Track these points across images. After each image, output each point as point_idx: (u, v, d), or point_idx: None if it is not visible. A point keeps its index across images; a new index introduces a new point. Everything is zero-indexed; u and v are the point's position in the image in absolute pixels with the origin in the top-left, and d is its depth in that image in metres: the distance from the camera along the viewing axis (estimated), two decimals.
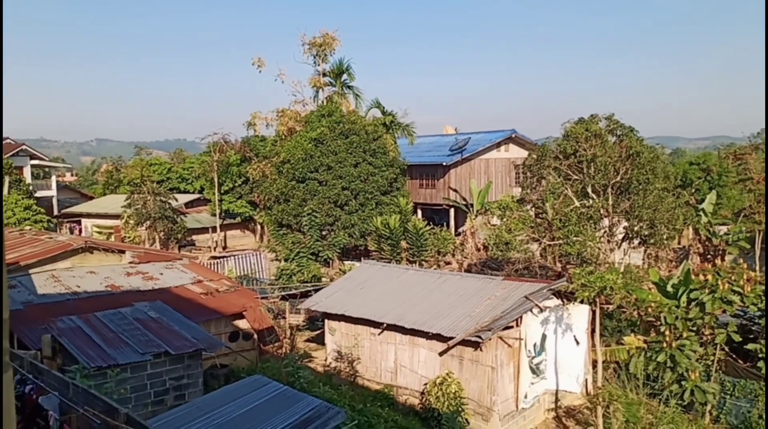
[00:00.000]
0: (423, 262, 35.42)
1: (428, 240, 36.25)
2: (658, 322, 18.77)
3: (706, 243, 36.21)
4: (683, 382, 17.08)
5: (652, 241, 27.32)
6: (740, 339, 18.11)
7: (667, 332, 17.74)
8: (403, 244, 35.61)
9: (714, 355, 17.88)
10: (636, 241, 28.19)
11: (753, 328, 19.12)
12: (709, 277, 18.57)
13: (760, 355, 17.76)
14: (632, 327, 21.63)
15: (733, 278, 18.92)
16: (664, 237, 28.14)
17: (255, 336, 22.41)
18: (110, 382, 15.31)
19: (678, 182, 40.87)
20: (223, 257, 38.25)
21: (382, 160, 39.88)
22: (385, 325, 19.72)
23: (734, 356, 18.65)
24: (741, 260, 35.15)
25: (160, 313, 18.97)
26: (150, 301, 19.97)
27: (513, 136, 49.69)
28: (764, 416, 16.18)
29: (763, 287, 18.62)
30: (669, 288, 20.98)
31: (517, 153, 47.84)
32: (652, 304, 18.96)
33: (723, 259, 34.28)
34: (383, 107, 45.74)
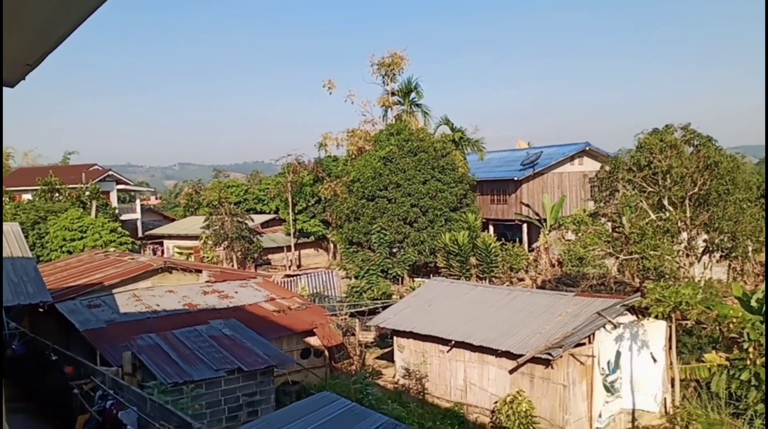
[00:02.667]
0: (493, 279, 35.02)
1: (499, 256, 35.83)
2: (742, 339, 17.88)
3: None
4: None
5: (734, 254, 26.13)
6: None
7: (751, 349, 16.89)
8: (473, 260, 35.33)
9: None
10: (717, 255, 27.03)
11: None
12: None
13: None
14: (713, 344, 20.67)
15: None
16: (749, 249, 26.90)
17: (326, 353, 22.70)
18: (186, 398, 15.84)
19: (763, 192, 38.93)
20: (296, 275, 38.97)
21: (451, 177, 39.81)
22: (453, 342, 19.62)
23: None
24: None
25: (234, 331, 19.52)
26: (224, 319, 20.58)
27: (587, 148, 48.66)
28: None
29: None
30: (753, 303, 19.95)
31: (591, 166, 46.73)
32: (734, 320, 18.10)
33: None
34: (452, 124, 45.75)
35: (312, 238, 54.71)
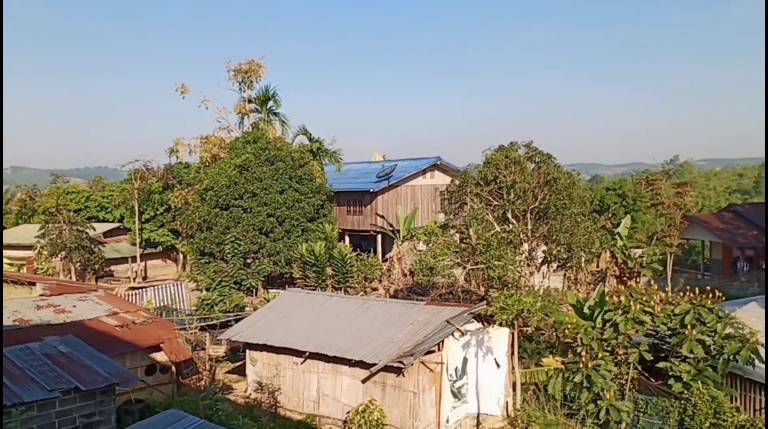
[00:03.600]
0: (349, 289, 35.28)
1: (354, 266, 36.17)
2: (575, 343, 19.25)
3: (622, 265, 37.55)
4: (599, 402, 17.51)
5: (569, 264, 28.12)
6: (652, 358, 18.80)
7: (583, 353, 18.20)
8: (329, 270, 35.40)
9: (628, 374, 18.44)
10: (555, 265, 28.96)
11: (663, 347, 19.87)
12: (622, 298, 19.24)
13: (670, 373, 18.45)
14: (551, 349, 22.10)
15: (644, 299, 19.70)
16: (582, 260, 29.04)
17: (173, 369, 21.69)
18: (14, 422, 14.45)
19: (595, 207, 42.34)
20: (141, 288, 36.99)
21: (309, 187, 39.73)
22: (307, 353, 19.48)
23: (646, 375, 19.29)
24: (653, 282, 36.66)
25: (71, 348, 18.12)
26: (61, 335, 19.05)
27: (438, 163, 50.50)
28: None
29: (672, 308, 19.45)
30: (586, 310, 21.59)
31: (442, 179, 48.58)
32: (569, 326, 19.45)
33: (637, 281, 35.62)
34: (310, 134, 45.72)
35: (160, 248, 52.28)
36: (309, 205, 39.28)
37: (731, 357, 18.15)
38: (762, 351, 17.99)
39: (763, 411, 18.85)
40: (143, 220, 50.45)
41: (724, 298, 20.45)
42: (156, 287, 36.46)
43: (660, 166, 61.61)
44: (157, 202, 50.16)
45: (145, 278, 49.53)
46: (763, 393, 18.85)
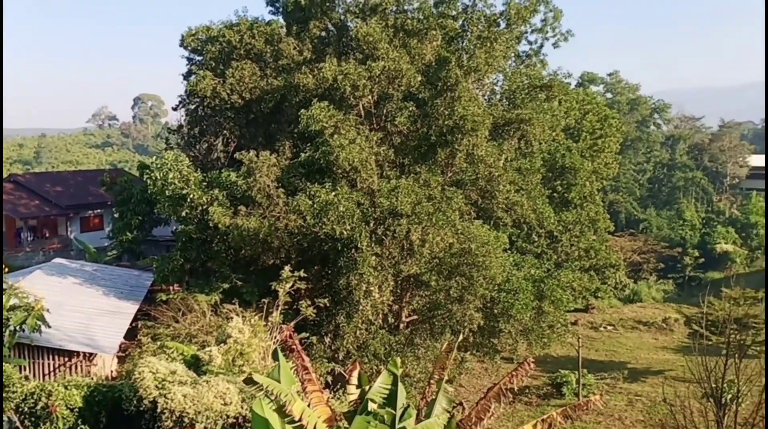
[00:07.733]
0: None
1: None
2: None
3: None
4: None
5: None
6: None
7: None
8: None
9: None
10: None
11: None
12: None
13: None
14: None
15: None
16: None
17: None
18: None
19: None
20: None
21: None
22: None
23: None
24: None
25: None
26: None
27: None
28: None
29: None
30: None
31: None
32: None
33: None
34: None
35: None
36: None
37: (18, 327, 18.13)
38: (47, 316, 18.63)
39: (53, 374, 19.67)
40: None
41: (7, 271, 20.18)
42: None
43: None
44: None
45: None
46: (62, 357, 19.78)
